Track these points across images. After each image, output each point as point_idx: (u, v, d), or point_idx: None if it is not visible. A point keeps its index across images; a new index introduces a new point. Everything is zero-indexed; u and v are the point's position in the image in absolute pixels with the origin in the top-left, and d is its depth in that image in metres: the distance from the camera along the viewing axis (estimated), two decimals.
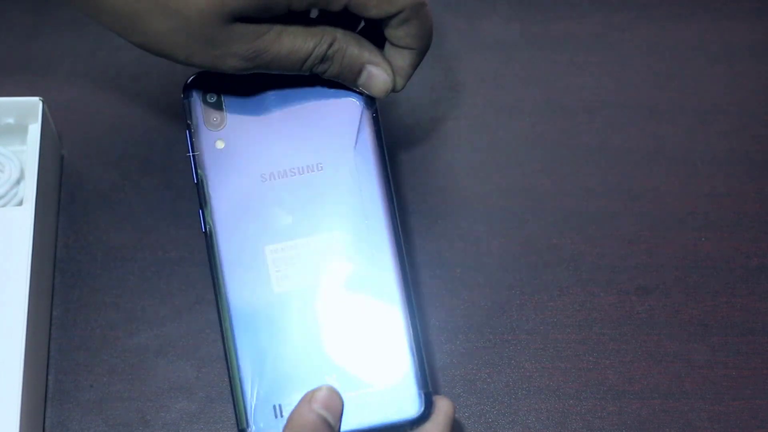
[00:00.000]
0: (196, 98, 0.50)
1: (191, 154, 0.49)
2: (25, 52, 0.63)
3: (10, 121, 0.56)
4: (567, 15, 0.65)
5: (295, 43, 0.47)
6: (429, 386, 0.47)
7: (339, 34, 0.48)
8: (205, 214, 0.49)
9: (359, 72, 0.49)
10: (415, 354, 0.47)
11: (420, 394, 0.46)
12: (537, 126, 0.62)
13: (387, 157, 0.49)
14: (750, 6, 0.66)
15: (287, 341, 0.47)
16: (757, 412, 0.54)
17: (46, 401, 0.54)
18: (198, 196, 0.49)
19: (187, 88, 0.50)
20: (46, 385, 0.54)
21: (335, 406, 0.46)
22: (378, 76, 0.49)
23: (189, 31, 0.45)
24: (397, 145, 0.61)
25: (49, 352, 0.55)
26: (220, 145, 0.49)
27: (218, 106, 0.50)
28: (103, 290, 0.57)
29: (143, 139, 0.61)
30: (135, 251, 0.58)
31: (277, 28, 0.46)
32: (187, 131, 0.50)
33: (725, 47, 0.65)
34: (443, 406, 0.47)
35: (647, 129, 0.62)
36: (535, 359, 0.55)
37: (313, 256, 0.48)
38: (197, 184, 0.49)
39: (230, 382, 0.47)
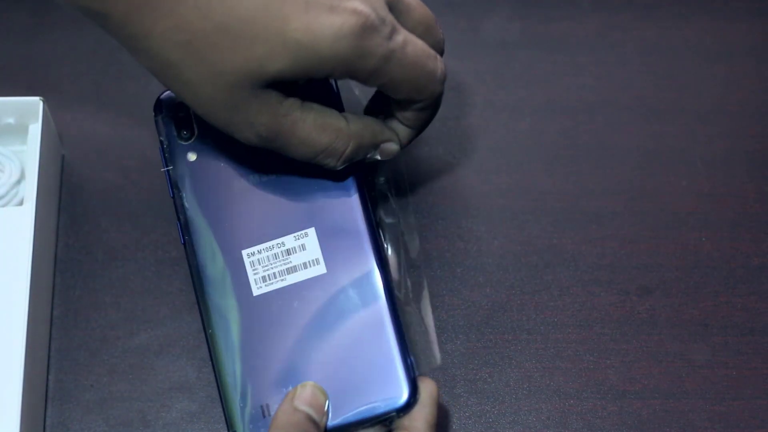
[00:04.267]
0: (166, 114, 0.51)
1: (165, 169, 0.50)
2: (25, 52, 0.63)
3: (11, 121, 0.56)
4: (567, 15, 0.65)
5: (310, 135, 0.47)
6: (414, 372, 0.47)
7: (354, 132, 0.48)
8: (182, 227, 0.50)
9: (372, 152, 0.50)
10: (397, 342, 0.48)
11: (406, 382, 0.47)
12: (537, 126, 0.62)
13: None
14: (750, 6, 0.66)
15: (270, 342, 0.48)
16: (758, 412, 0.54)
17: (46, 401, 0.54)
18: (175, 209, 0.50)
19: (158, 105, 0.51)
20: (47, 385, 0.54)
21: (319, 402, 0.47)
22: (389, 148, 0.50)
23: (216, 88, 0.44)
24: None
25: (49, 352, 0.55)
26: (192, 157, 0.51)
27: (188, 120, 0.51)
28: (103, 290, 0.57)
29: (143, 139, 0.61)
30: (135, 251, 0.58)
31: (297, 114, 0.46)
32: (160, 147, 0.51)
33: (725, 47, 0.65)
34: (427, 387, 0.48)
35: (647, 129, 0.62)
36: (536, 359, 0.55)
37: (288, 256, 0.49)
38: (173, 197, 0.50)
39: (218, 385, 0.48)
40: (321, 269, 0.49)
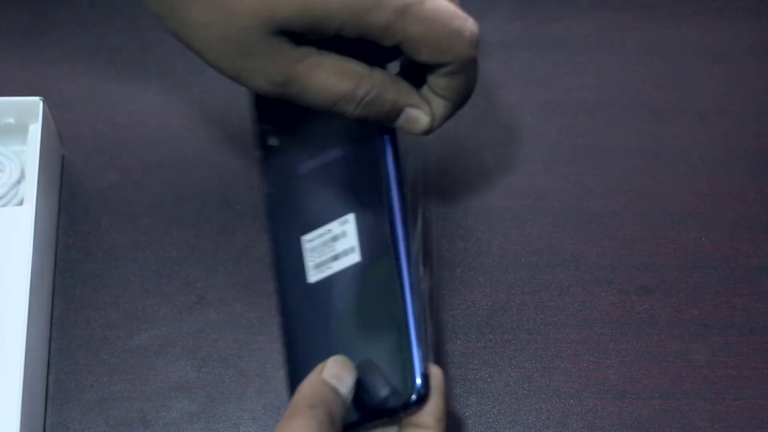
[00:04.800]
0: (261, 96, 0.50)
1: (257, 152, 0.50)
2: (25, 52, 0.63)
3: (11, 121, 0.56)
4: (567, 15, 0.65)
5: (328, 81, 0.45)
6: (427, 369, 0.46)
7: (377, 78, 0.46)
8: (265, 210, 0.50)
9: (397, 116, 0.47)
10: (413, 335, 0.46)
11: (420, 377, 0.46)
12: (537, 126, 0.62)
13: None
14: (750, 6, 0.66)
15: (315, 331, 0.48)
16: (758, 412, 0.54)
17: (46, 401, 0.54)
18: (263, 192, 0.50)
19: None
20: (47, 385, 0.54)
21: (347, 376, 0.46)
22: (417, 118, 0.47)
23: (227, 30, 0.43)
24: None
25: (49, 352, 0.55)
26: (274, 142, 0.50)
27: (275, 105, 0.49)
28: (103, 290, 0.57)
29: (143, 139, 0.61)
30: (135, 251, 0.58)
31: (314, 59, 0.44)
32: (254, 130, 0.50)
33: (725, 47, 0.65)
34: (433, 378, 0.46)
35: (647, 129, 0.62)
36: (536, 359, 0.55)
37: (333, 243, 0.49)
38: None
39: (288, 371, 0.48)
40: (356, 257, 0.48)
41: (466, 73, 0.47)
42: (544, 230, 0.59)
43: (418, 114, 0.47)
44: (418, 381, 0.46)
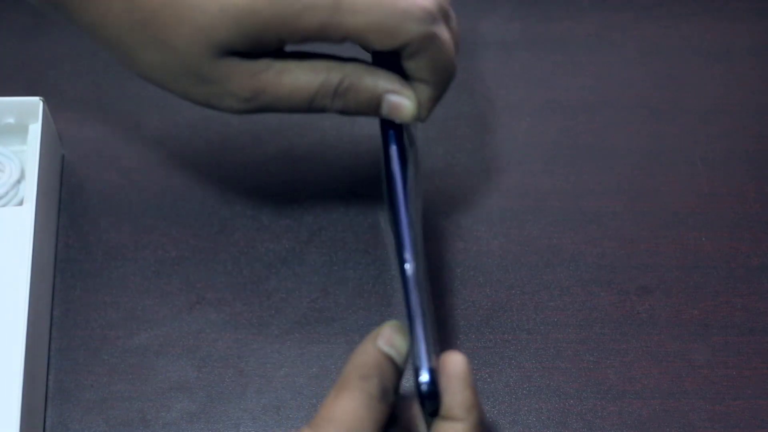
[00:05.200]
0: None
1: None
2: (25, 52, 0.63)
3: (11, 121, 0.56)
4: (567, 15, 0.65)
5: (298, 81, 0.44)
6: (434, 363, 0.44)
7: (348, 68, 0.45)
8: None
9: (378, 104, 0.46)
10: (419, 332, 0.44)
11: (427, 373, 0.43)
12: (537, 126, 0.62)
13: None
14: (750, 6, 0.66)
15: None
16: (758, 412, 0.54)
17: (46, 401, 0.54)
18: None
19: None
20: (47, 385, 0.54)
21: (400, 343, 0.43)
22: (400, 103, 0.46)
23: (180, 64, 0.43)
24: None
25: (49, 352, 0.55)
26: None
27: None
28: (103, 290, 0.57)
29: (143, 139, 0.61)
30: (135, 251, 0.58)
31: (278, 65, 0.44)
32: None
33: (725, 47, 0.65)
34: (455, 365, 0.43)
35: (647, 129, 0.62)
36: (536, 359, 0.55)
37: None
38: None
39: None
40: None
41: (430, 51, 0.45)
42: (544, 230, 0.59)
43: (401, 100, 0.46)
44: (425, 377, 0.43)
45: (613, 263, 0.58)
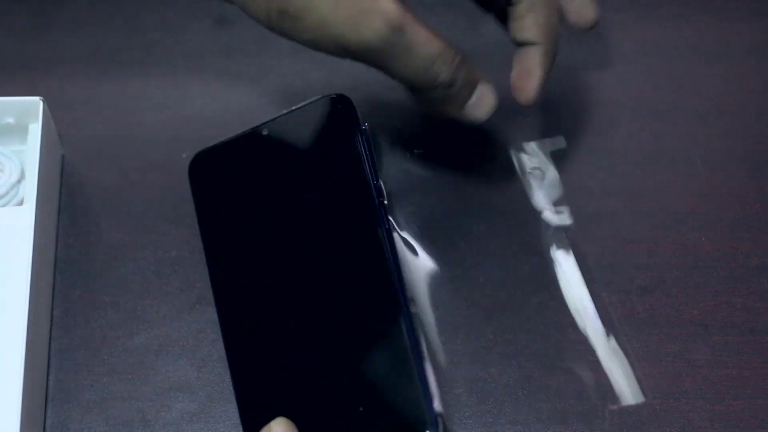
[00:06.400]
0: None
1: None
2: (25, 52, 0.63)
3: (11, 120, 0.56)
4: None
5: (431, 35, 0.43)
6: (440, 406, 0.46)
7: (413, 28, 0.44)
8: None
9: (473, 89, 0.45)
10: (419, 373, 0.46)
11: (431, 414, 0.45)
12: (537, 126, 0.62)
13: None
14: (750, 6, 0.66)
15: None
16: (758, 412, 0.54)
17: (46, 401, 0.54)
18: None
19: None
20: (47, 385, 0.54)
21: None
22: (488, 94, 0.45)
23: None
24: (397, 146, 0.61)
25: (49, 352, 0.55)
26: None
27: None
28: (103, 290, 0.57)
29: (143, 139, 0.61)
30: (135, 251, 0.58)
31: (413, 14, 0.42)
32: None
33: (725, 47, 0.65)
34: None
35: (647, 129, 0.62)
36: (536, 359, 0.55)
37: None
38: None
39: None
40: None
41: (544, 4, 0.44)
42: (544, 230, 0.59)
43: (489, 90, 0.46)
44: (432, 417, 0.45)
45: (613, 263, 0.58)
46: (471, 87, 0.46)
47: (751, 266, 0.58)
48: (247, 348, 0.50)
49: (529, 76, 0.45)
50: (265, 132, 0.53)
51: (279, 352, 0.49)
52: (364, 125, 0.51)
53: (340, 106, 0.51)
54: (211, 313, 0.56)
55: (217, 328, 0.55)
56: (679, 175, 0.61)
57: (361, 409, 0.46)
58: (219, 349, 0.55)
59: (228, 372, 0.54)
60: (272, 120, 0.53)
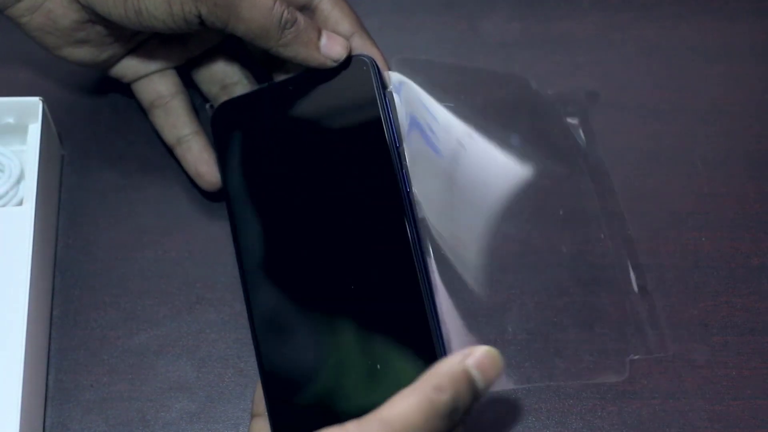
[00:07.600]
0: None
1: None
2: (25, 52, 0.63)
3: (10, 121, 0.56)
4: (567, 15, 0.65)
5: None
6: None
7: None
8: None
9: (319, 35, 0.49)
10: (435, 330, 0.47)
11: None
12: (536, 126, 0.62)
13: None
14: (750, 6, 0.66)
15: None
16: (758, 412, 0.54)
17: (46, 401, 0.54)
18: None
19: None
20: (46, 385, 0.54)
21: (489, 371, 0.41)
22: (335, 35, 0.50)
23: None
24: None
25: (49, 352, 0.55)
26: None
27: None
28: (103, 290, 0.57)
29: (143, 139, 0.61)
30: (135, 251, 0.58)
31: None
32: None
33: (725, 47, 0.65)
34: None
35: (647, 129, 0.62)
36: (536, 359, 0.55)
37: None
38: None
39: None
40: None
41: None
42: (544, 230, 0.59)
43: (333, 34, 0.51)
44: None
45: (614, 263, 0.58)
46: (315, 27, 0.50)
47: (751, 266, 0.58)
48: (269, 298, 0.50)
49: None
50: (290, 87, 0.53)
51: (300, 301, 0.49)
52: (389, 88, 0.52)
53: (365, 68, 0.51)
54: (211, 313, 0.56)
55: (217, 328, 0.56)
56: (679, 175, 0.61)
57: (378, 367, 0.47)
58: (219, 349, 0.55)
59: (228, 372, 0.54)
60: (298, 75, 0.53)
